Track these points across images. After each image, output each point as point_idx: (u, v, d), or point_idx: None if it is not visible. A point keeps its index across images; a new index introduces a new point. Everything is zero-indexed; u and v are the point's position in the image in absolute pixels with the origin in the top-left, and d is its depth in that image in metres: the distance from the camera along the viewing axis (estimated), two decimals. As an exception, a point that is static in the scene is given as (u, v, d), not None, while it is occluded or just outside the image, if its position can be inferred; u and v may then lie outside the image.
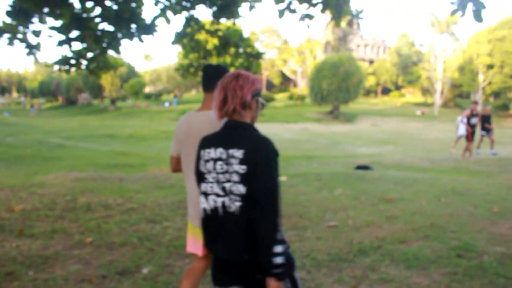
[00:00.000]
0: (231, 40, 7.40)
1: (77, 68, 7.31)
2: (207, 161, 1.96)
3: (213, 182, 1.93)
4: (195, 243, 2.66)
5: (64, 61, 7.01)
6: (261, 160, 1.82)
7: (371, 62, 69.00)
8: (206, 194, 1.97)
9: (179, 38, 8.06)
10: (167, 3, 7.05)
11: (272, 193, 1.81)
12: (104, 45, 6.68)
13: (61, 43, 6.49)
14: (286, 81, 72.86)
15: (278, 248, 1.78)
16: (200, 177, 2.02)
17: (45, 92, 69.37)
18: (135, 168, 10.26)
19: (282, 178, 8.00)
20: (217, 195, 1.92)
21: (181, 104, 54.48)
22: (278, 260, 1.78)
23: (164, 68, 58.95)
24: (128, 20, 6.40)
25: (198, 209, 2.38)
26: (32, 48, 6.87)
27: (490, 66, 42.13)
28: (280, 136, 22.80)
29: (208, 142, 2.00)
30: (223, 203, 1.90)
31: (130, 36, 6.92)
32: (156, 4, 7.05)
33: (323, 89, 33.07)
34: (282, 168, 9.88)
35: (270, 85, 74.34)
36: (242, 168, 1.83)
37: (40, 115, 49.10)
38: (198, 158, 2.03)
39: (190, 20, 7.78)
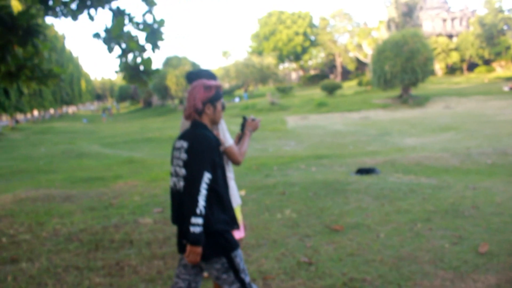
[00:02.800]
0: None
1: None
2: (175, 149, 2.42)
3: (174, 165, 2.40)
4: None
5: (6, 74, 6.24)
6: (195, 151, 2.27)
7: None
8: (171, 174, 2.44)
9: (110, 37, 6.52)
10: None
11: (195, 176, 2.22)
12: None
13: None
14: (363, 66, 68.77)
15: (196, 220, 2.16)
16: (171, 161, 2.46)
17: (124, 96, 72.63)
18: (104, 181, 9.16)
19: (241, 193, 6.40)
20: (173, 175, 2.40)
21: (251, 98, 53.58)
22: (194, 229, 2.17)
23: (233, 64, 58.32)
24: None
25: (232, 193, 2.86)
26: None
27: None
28: (328, 128, 20.66)
29: (179, 136, 2.47)
30: (174, 182, 2.39)
31: (22, 42, 5.80)
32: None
33: (386, 71, 29.66)
34: (264, 176, 8.18)
35: (345, 72, 70.73)
36: (185, 156, 2.30)
37: (115, 119, 51.06)
38: (173, 146, 2.47)
39: (117, 14, 6.27)
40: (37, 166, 12.59)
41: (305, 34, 71.12)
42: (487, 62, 55.60)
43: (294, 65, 77.24)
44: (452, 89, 38.74)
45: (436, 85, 44.13)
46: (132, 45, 5.00)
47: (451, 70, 57.95)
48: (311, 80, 69.44)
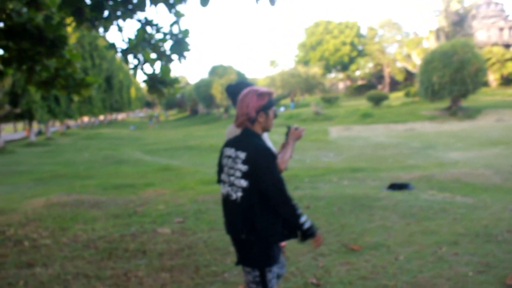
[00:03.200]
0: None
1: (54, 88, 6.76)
2: (225, 157, 2.46)
3: (226, 174, 2.41)
4: None
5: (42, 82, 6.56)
6: (261, 164, 2.26)
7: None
8: (223, 182, 2.45)
9: (136, 44, 6.58)
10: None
11: (279, 187, 2.25)
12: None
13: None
14: (412, 77, 66.67)
15: (302, 219, 2.29)
16: (220, 169, 2.52)
17: (171, 104, 74.26)
18: (134, 188, 9.24)
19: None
20: (227, 184, 2.41)
21: (297, 108, 53.24)
22: (306, 225, 2.30)
23: (279, 74, 58.28)
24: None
25: None
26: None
27: None
28: (370, 140, 20.08)
29: (229, 143, 2.48)
30: (227, 191, 2.39)
31: (49, 53, 6.01)
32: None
33: (433, 82, 28.50)
34: (293, 188, 7.95)
35: (393, 82, 68.94)
36: (245, 168, 2.28)
37: (162, 127, 52.18)
38: (221, 153, 2.53)
39: (145, 24, 6.34)
40: (77, 171, 12.95)
41: (352, 44, 70.13)
42: (547, 74, 52.43)
43: (341, 75, 76.26)
44: (506, 101, 36.73)
45: (490, 97, 42.05)
46: (147, 56, 4.97)
47: (507, 81, 55.04)
48: (358, 90, 68.25)
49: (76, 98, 7.18)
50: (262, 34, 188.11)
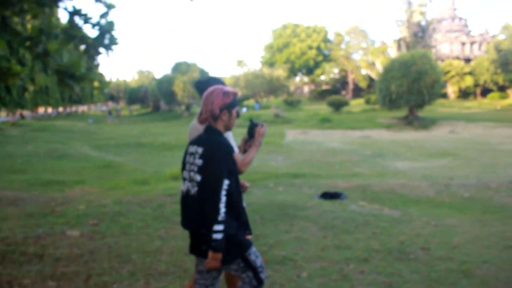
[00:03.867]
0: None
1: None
2: (188, 154, 2.49)
3: (187, 171, 2.45)
4: None
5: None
6: (212, 158, 2.32)
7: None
8: (184, 179, 2.48)
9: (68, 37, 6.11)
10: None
11: (216, 184, 2.26)
12: None
13: None
14: (374, 84, 67.85)
15: (218, 227, 2.22)
16: (183, 166, 2.52)
17: (134, 99, 72.62)
18: (63, 186, 8.80)
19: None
20: (187, 180, 2.44)
21: (262, 109, 53.04)
22: (216, 236, 2.22)
23: (243, 74, 58.03)
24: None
25: None
26: None
27: None
28: (324, 145, 20.12)
29: (193, 141, 2.52)
30: (187, 187, 2.42)
31: None
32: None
33: (391, 91, 28.96)
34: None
35: (357, 89, 69.94)
36: (200, 162, 2.36)
37: (122, 122, 50.89)
38: (185, 152, 2.54)
39: (73, 13, 5.91)
40: (11, 165, 12.27)
41: (318, 49, 70.71)
42: (501, 89, 54.34)
43: (306, 79, 76.76)
44: (461, 114, 37.85)
45: (447, 108, 43.23)
46: (51, 47, 4.59)
47: (464, 94, 56.86)
48: (322, 95, 68.71)
49: (31, 87, 6.68)
50: (229, 33, 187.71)
